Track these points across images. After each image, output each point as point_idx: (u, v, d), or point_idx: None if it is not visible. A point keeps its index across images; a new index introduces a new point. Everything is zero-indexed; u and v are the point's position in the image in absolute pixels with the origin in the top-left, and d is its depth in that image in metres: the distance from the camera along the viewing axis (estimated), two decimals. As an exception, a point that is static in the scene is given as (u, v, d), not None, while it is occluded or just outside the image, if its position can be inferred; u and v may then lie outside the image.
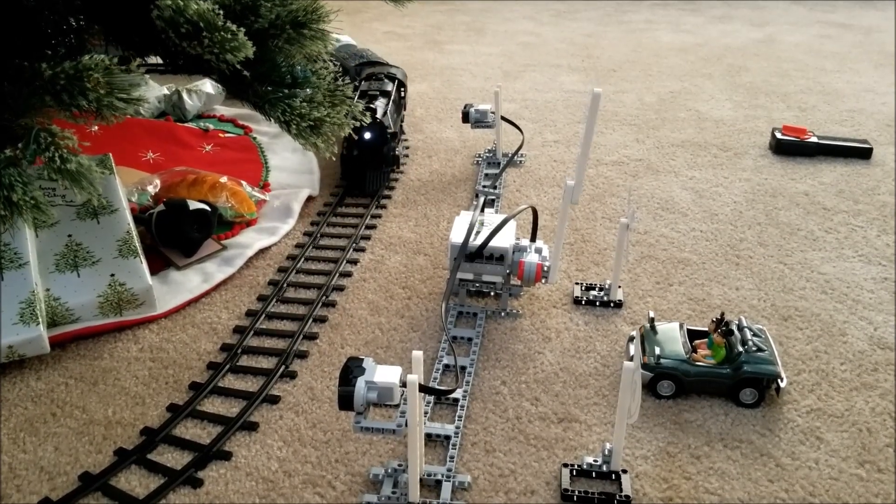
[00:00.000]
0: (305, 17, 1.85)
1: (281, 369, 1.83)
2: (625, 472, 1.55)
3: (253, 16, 1.80)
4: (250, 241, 2.35)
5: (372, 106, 2.70)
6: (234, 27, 1.64)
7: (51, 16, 1.76)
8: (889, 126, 3.33)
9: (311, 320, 2.01)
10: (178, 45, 1.65)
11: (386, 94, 2.87)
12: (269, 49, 1.89)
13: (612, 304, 2.09)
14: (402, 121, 3.17)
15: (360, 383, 1.37)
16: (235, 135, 3.09)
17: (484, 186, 2.73)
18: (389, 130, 2.69)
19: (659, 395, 1.76)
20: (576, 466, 1.56)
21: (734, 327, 1.81)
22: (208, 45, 1.62)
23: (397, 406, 1.42)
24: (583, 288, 2.15)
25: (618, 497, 1.50)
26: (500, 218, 2.01)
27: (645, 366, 1.74)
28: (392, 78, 3.08)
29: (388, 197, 2.68)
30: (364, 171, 2.67)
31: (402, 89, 3.17)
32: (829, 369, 1.87)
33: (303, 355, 1.89)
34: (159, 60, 1.98)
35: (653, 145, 3.13)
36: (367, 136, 2.64)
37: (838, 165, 2.96)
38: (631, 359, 1.41)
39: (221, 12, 1.65)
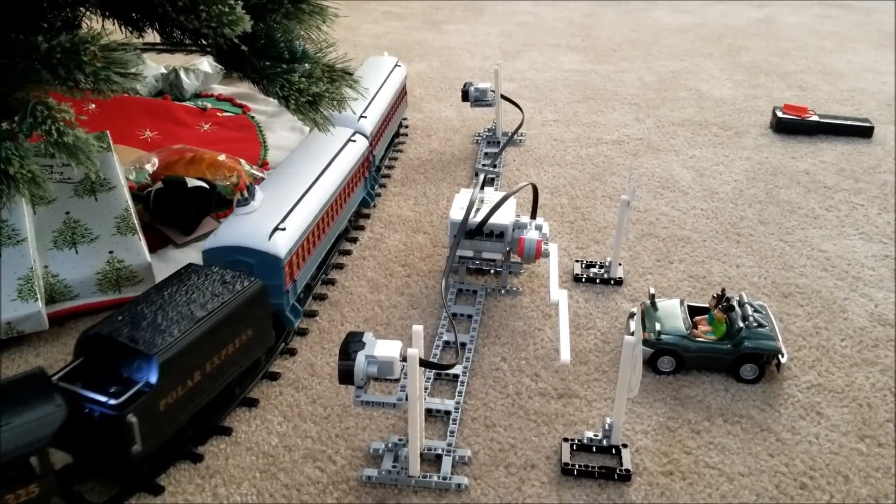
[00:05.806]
0: (303, -9, 1.84)
1: (281, 346, 1.83)
2: (625, 446, 1.55)
3: (251, -11, 1.78)
4: (249, 219, 2.33)
5: None
6: (231, 0, 1.62)
7: (46, -12, 1.74)
8: (889, 105, 3.32)
9: (310, 298, 2.00)
10: (176, 18, 1.64)
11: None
12: (267, 24, 1.87)
13: (612, 282, 2.08)
14: None
15: (361, 357, 1.37)
16: (233, 114, 3.07)
17: (484, 165, 2.71)
18: None
19: (659, 371, 1.76)
20: (576, 441, 1.56)
21: (735, 303, 1.80)
22: (206, 18, 1.60)
23: (397, 381, 1.41)
24: (583, 265, 2.15)
25: (618, 471, 1.50)
26: (500, 195, 2.00)
27: (645, 342, 1.74)
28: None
29: (388, 176, 2.67)
30: None
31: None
32: (830, 345, 1.87)
33: (303, 332, 1.89)
34: (157, 38, 1.96)
35: (653, 124, 3.11)
36: None
37: (839, 144, 2.95)
38: (632, 334, 1.40)
39: (219, -15, 1.63)
